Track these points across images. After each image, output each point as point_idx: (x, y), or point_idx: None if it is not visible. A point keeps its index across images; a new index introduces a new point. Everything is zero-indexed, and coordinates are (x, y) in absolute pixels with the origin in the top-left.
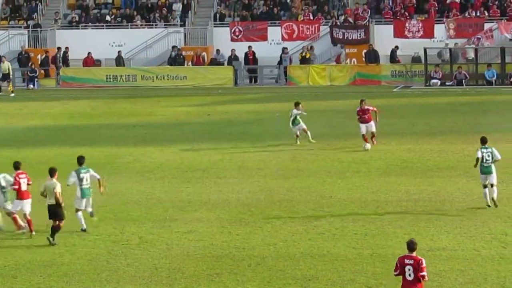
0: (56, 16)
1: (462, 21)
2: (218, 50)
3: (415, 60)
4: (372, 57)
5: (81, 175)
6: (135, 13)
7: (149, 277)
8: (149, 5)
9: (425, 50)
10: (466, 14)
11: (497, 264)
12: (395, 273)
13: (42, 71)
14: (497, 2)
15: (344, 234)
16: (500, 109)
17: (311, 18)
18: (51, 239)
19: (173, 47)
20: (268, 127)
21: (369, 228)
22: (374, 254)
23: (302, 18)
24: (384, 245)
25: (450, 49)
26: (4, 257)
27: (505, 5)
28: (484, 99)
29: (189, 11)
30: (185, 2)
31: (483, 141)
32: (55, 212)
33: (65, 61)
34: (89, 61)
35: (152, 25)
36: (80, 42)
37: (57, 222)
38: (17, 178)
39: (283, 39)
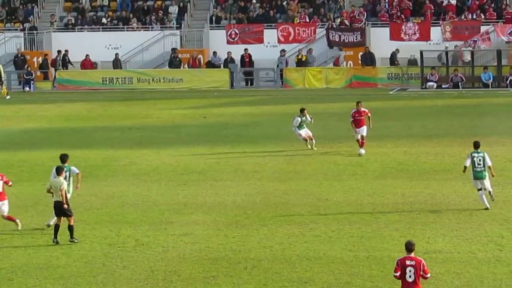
0: (52, 18)
1: (458, 24)
2: (215, 52)
3: (411, 62)
4: (368, 59)
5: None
6: (131, 15)
7: (145, 280)
8: (145, 8)
9: (421, 52)
10: (462, 17)
11: (493, 266)
12: (396, 274)
13: (42, 74)
14: (493, 5)
15: (340, 237)
16: (497, 111)
17: (307, 20)
18: (55, 239)
19: (173, 49)
20: (264, 130)
21: (365, 231)
22: (370, 257)
23: (298, 21)
24: (380, 247)
25: (446, 52)
26: (0, 259)
27: (501, 8)
28: (481, 101)
29: (185, 14)
30: (181, 4)
31: (476, 145)
32: (60, 210)
33: (65, 64)
34: (87, 64)
35: (148, 27)
36: (76, 44)
37: (61, 220)
38: None
39: (279, 41)
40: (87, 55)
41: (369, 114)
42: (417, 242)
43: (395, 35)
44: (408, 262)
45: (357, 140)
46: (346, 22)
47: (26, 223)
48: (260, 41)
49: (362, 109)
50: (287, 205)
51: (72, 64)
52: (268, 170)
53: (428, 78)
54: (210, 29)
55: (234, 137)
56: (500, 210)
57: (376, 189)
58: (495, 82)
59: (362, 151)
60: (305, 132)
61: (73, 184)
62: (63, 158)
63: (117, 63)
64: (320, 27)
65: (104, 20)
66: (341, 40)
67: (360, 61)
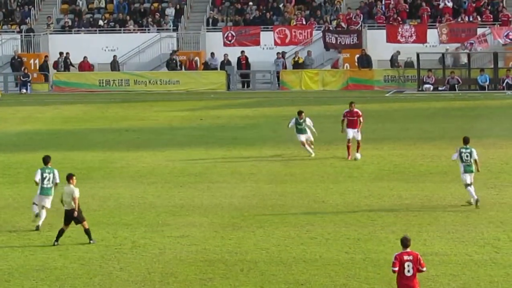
0: (49, 20)
1: (455, 26)
2: (212, 53)
3: (408, 65)
4: (365, 62)
5: (44, 175)
6: (128, 17)
7: (142, 282)
8: (142, 10)
9: (417, 55)
10: (459, 19)
11: (489, 269)
12: (395, 269)
13: (42, 76)
14: (489, 7)
15: (336, 239)
16: (493, 114)
17: (304, 23)
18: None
19: (174, 51)
20: (261, 132)
21: (361, 233)
22: (366, 259)
23: (294, 23)
24: (377, 250)
25: (443, 54)
26: None
27: (498, 10)
28: (477, 104)
29: (182, 16)
30: (178, 7)
31: (466, 141)
32: (72, 217)
33: (67, 66)
34: (85, 66)
35: (145, 29)
36: (73, 46)
37: (67, 227)
38: None
39: (275, 43)
40: (85, 57)
41: (361, 119)
42: (414, 244)
43: (391, 38)
44: (406, 257)
45: (348, 140)
46: (343, 24)
47: (23, 225)
48: (257, 43)
49: (355, 110)
50: (284, 207)
51: (74, 66)
52: (264, 172)
53: (424, 80)
54: (207, 31)
55: (230, 139)
56: (497, 212)
57: (373, 191)
58: (491, 84)
59: (358, 155)
60: (305, 137)
61: (55, 188)
62: (46, 159)
63: (115, 65)
64: (316, 30)
65: (101, 22)
66: (338, 43)
67: (356, 64)
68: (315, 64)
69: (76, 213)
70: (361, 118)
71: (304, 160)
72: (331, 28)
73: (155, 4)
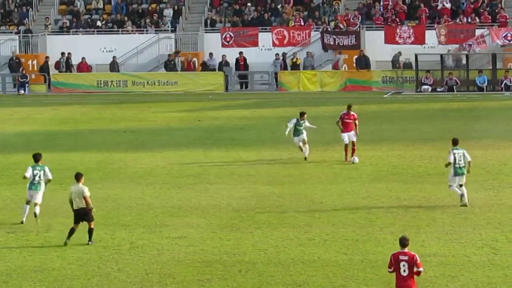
0: (47, 21)
1: (453, 27)
2: (211, 54)
3: (406, 66)
4: (363, 63)
5: (35, 172)
6: (126, 18)
7: (140, 283)
8: (140, 11)
9: (416, 56)
10: (457, 20)
11: (488, 270)
12: (390, 270)
13: (42, 76)
14: (488, 8)
15: (335, 240)
16: (491, 115)
17: (302, 24)
18: (67, 240)
19: (177, 52)
20: (259, 133)
21: (360, 234)
22: (365, 260)
23: (293, 24)
24: (375, 251)
25: (441, 56)
26: None
27: (496, 11)
28: (475, 105)
29: (180, 17)
30: (176, 8)
31: (455, 142)
32: (82, 216)
33: (69, 67)
34: (83, 67)
35: (143, 30)
36: (71, 47)
37: (77, 226)
38: None
39: (274, 45)
40: (83, 58)
41: (356, 121)
42: (412, 246)
43: (390, 39)
44: (401, 257)
45: (346, 145)
46: (341, 25)
47: (21, 225)
48: (255, 44)
49: (352, 112)
50: (282, 208)
51: (72, 67)
52: (262, 173)
53: (423, 81)
54: (205, 32)
55: (228, 140)
56: (495, 213)
57: (371, 193)
58: (489, 85)
59: (356, 159)
60: (298, 139)
61: (45, 184)
62: (36, 157)
63: (114, 66)
64: (315, 31)
65: (99, 23)
66: (336, 44)
67: (354, 65)
68: (314, 65)
69: (92, 211)
70: (356, 121)
71: (302, 161)
72: (329, 29)
73: (153, 5)
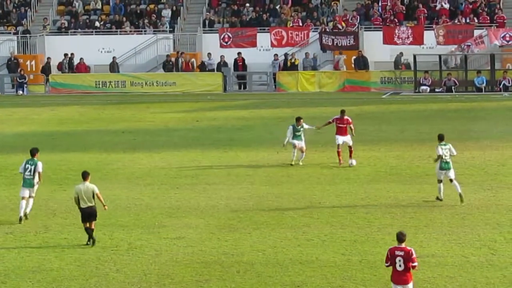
0: (45, 22)
1: (452, 28)
2: (209, 54)
3: (405, 66)
4: (362, 63)
5: (27, 166)
6: (124, 19)
7: (138, 283)
8: (138, 12)
9: (414, 56)
10: (456, 21)
11: (486, 270)
12: (386, 264)
13: (42, 77)
14: (486, 9)
15: (333, 241)
16: (490, 116)
17: (300, 24)
18: (90, 241)
19: (180, 53)
20: (257, 134)
21: (358, 235)
22: (363, 261)
23: (291, 25)
24: (373, 251)
25: (440, 56)
26: None
27: (494, 12)
28: (474, 106)
29: (178, 18)
30: (174, 8)
31: (441, 138)
32: (90, 214)
33: (71, 67)
34: (82, 67)
35: (141, 31)
36: (69, 48)
37: (87, 224)
38: None
39: (272, 45)
40: (81, 59)
41: (351, 126)
42: (410, 246)
43: (388, 39)
44: (397, 252)
45: (338, 145)
46: (339, 26)
47: (19, 226)
48: (253, 44)
49: (346, 117)
50: (280, 209)
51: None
52: (261, 173)
53: (421, 82)
54: (203, 33)
55: (227, 140)
56: (493, 214)
57: (369, 193)
58: (488, 86)
59: (353, 162)
60: (298, 143)
61: (38, 177)
62: (32, 151)
63: (113, 67)
64: (313, 31)
65: (97, 24)
66: (334, 44)
67: (353, 65)
68: (314, 66)
69: (106, 208)
70: (351, 126)
71: (301, 162)
72: (327, 30)
73: (152, 6)
